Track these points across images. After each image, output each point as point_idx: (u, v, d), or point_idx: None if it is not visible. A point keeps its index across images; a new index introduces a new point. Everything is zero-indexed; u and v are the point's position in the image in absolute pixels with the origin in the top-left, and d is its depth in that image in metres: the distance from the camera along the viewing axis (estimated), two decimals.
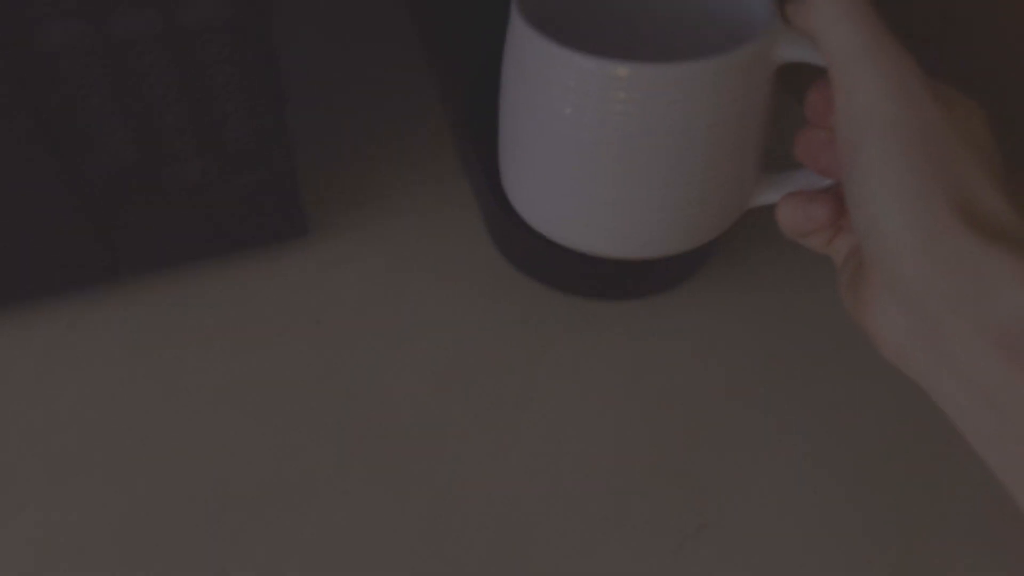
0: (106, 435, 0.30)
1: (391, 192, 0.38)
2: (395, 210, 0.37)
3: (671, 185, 0.30)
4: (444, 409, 0.31)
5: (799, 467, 0.30)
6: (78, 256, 0.31)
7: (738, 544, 0.28)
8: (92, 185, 0.29)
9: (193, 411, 0.30)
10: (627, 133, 0.28)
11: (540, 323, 0.34)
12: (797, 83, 0.33)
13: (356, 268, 0.35)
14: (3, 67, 0.25)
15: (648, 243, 0.31)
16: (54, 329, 0.33)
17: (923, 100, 0.24)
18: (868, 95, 0.25)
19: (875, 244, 0.25)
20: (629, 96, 0.27)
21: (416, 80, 0.43)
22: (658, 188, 0.29)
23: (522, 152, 0.30)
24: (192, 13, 0.26)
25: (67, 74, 0.26)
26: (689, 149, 0.29)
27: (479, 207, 0.37)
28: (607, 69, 0.27)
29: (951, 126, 0.24)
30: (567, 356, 0.33)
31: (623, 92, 0.27)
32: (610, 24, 0.34)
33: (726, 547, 0.28)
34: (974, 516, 0.29)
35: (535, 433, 0.30)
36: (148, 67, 0.27)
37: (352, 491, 0.28)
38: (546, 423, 0.31)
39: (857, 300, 0.27)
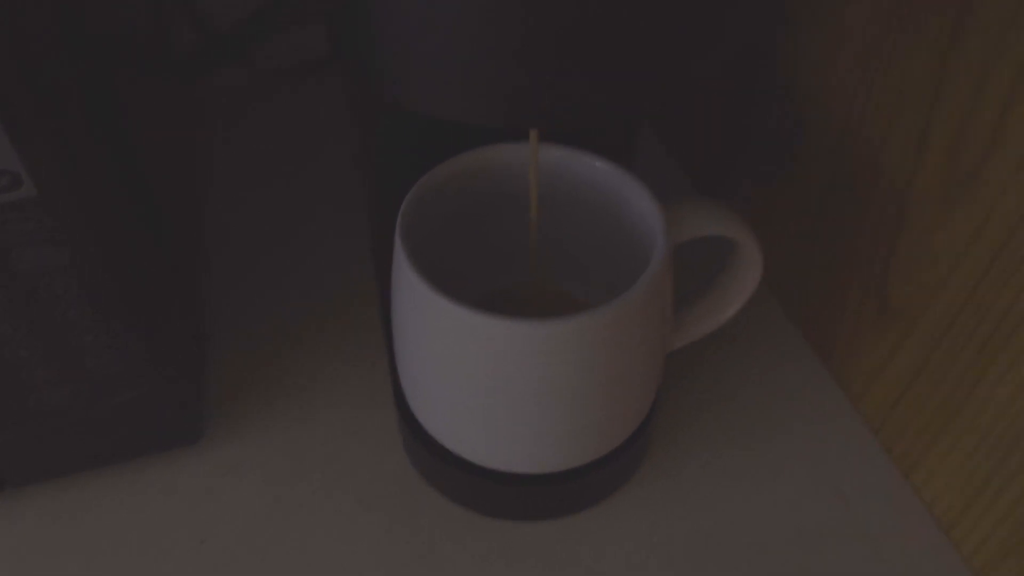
0: None
1: (306, 388, 0.36)
2: (307, 408, 0.35)
3: (551, 418, 0.27)
4: None
5: None
6: None
7: None
8: None
9: None
10: (494, 375, 0.26)
11: (447, 548, 0.31)
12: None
13: (251, 479, 0.33)
14: None
15: (548, 459, 0.29)
16: None
17: None
18: None
19: None
20: (494, 345, 0.25)
21: (356, 268, 0.41)
22: (536, 419, 0.27)
23: (403, 354, 0.29)
24: (27, 260, 0.25)
25: None
26: (567, 389, 0.26)
27: (399, 425, 0.35)
28: (474, 321, 0.25)
29: None
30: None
31: (489, 340, 0.25)
32: (506, 213, 0.32)
33: None
34: None
35: None
36: None
37: None
38: None
39: None
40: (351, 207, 0.43)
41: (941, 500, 0.32)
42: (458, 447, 0.29)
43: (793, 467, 0.33)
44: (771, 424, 0.35)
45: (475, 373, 0.26)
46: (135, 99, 0.31)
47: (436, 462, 0.31)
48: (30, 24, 0.21)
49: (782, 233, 0.38)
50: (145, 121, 0.32)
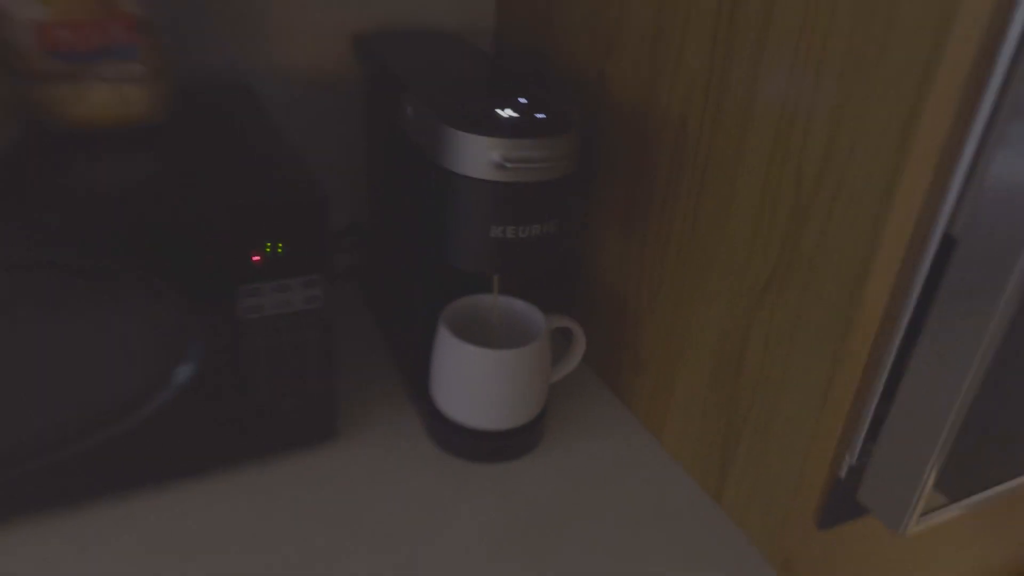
0: None
1: (375, 419, 0.72)
2: (376, 430, 0.71)
3: (502, 397, 0.66)
4: (386, 535, 0.63)
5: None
6: (195, 452, 0.62)
7: None
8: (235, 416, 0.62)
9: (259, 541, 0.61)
10: (483, 375, 0.65)
11: (452, 478, 0.67)
12: None
13: (357, 458, 0.68)
14: (222, 333, 0.59)
15: (499, 419, 0.67)
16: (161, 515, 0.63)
17: None
18: None
19: None
20: (484, 363, 0.64)
21: (382, 356, 0.79)
22: (495, 398, 0.66)
23: (439, 378, 0.67)
24: (303, 335, 0.61)
25: (248, 349, 0.60)
26: (510, 382, 0.65)
27: (421, 421, 0.71)
28: (477, 352, 0.64)
29: None
30: (467, 494, 0.66)
31: (482, 360, 0.64)
32: (488, 318, 0.72)
33: None
34: None
35: (446, 550, 0.62)
36: (278, 355, 0.61)
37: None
38: (456, 541, 0.63)
39: None
40: (366, 334, 0.81)
41: (673, 448, 0.72)
42: (459, 416, 0.66)
43: (601, 443, 0.73)
44: (591, 424, 0.74)
45: (476, 374, 0.64)
46: None
47: (444, 428, 0.68)
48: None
49: (588, 329, 0.80)
50: None
